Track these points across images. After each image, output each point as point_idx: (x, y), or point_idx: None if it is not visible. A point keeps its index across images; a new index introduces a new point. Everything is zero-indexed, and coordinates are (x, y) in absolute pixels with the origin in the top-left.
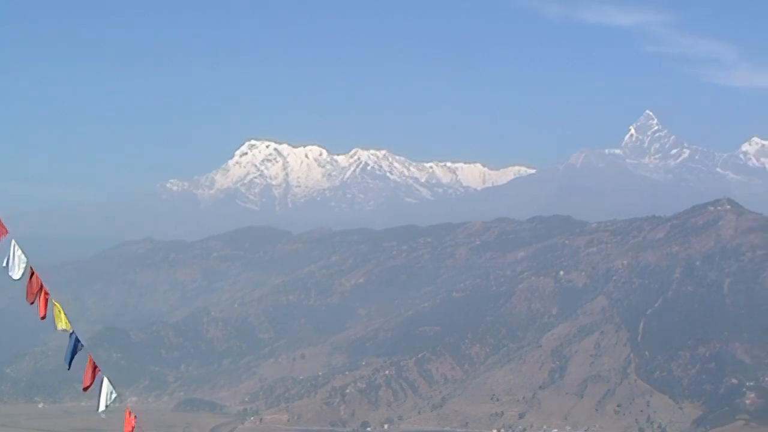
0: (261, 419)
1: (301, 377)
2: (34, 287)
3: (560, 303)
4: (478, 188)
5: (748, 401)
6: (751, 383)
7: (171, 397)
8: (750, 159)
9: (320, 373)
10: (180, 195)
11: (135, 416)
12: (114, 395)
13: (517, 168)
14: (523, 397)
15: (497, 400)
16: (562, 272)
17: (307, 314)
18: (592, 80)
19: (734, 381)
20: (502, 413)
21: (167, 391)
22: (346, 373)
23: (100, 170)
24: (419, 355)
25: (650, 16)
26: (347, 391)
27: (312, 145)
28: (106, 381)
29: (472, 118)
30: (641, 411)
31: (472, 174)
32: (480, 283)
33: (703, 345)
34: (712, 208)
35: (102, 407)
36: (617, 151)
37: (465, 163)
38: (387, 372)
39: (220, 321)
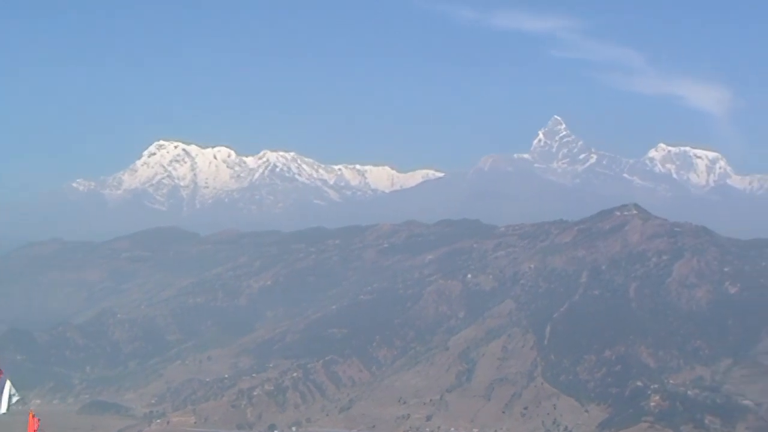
0: (167, 421)
1: (208, 379)
2: None
3: (468, 306)
4: (387, 191)
5: (652, 404)
6: (656, 386)
7: (76, 400)
8: (656, 165)
9: (227, 375)
10: (87, 195)
11: (39, 419)
12: (16, 397)
13: (425, 171)
14: (431, 400)
15: (404, 402)
16: (469, 275)
17: (214, 316)
18: (501, 85)
19: (639, 384)
20: (409, 415)
21: (72, 393)
22: (254, 375)
23: (5, 170)
24: (327, 358)
25: (560, 22)
26: (254, 393)
27: (220, 146)
28: (8, 383)
29: (381, 121)
30: (548, 413)
31: (381, 177)
32: (388, 285)
33: (609, 348)
34: (618, 213)
35: (3, 409)
36: (526, 156)
37: (374, 165)
38: (294, 374)
39: (127, 322)
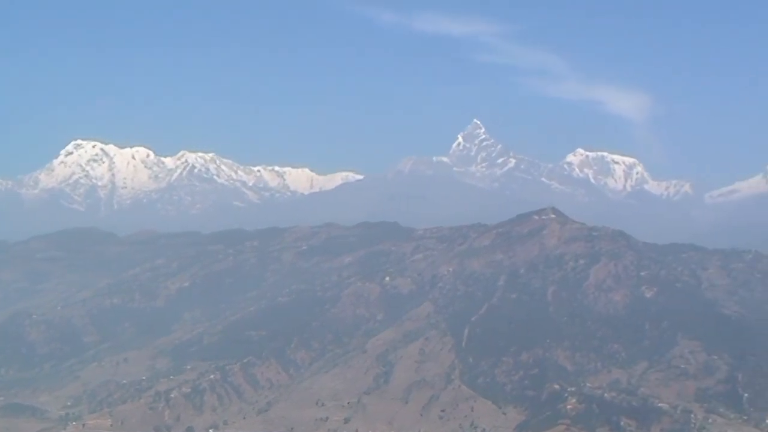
0: (83, 424)
1: (124, 381)
2: None
3: (386, 309)
4: (306, 193)
5: (569, 406)
6: (573, 389)
7: None
8: (574, 170)
9: (144, 378)
10: (3, 194)
11: None
12: None
13: (345, 173)
14: (348, 402)
15: (322, 405)
16: (388, 278)
17: (131, 317)
18: (422, 88)
19: (556, 387)
20: (327, 418)
21: None
22: (171, 377)
23: None
24: (245, 360)
25: (483, 26)
26: (172, 395)
27: (139, 146)
28: None
29: (301, 123)
30: (465, 416)
31: (300, 178)
32: (306, 287)
33: (527, 351)
34: (536, 217)
35: None
36: (445, 159)
37: (293, 167)
38: (212, 376)
39: (43, 323)
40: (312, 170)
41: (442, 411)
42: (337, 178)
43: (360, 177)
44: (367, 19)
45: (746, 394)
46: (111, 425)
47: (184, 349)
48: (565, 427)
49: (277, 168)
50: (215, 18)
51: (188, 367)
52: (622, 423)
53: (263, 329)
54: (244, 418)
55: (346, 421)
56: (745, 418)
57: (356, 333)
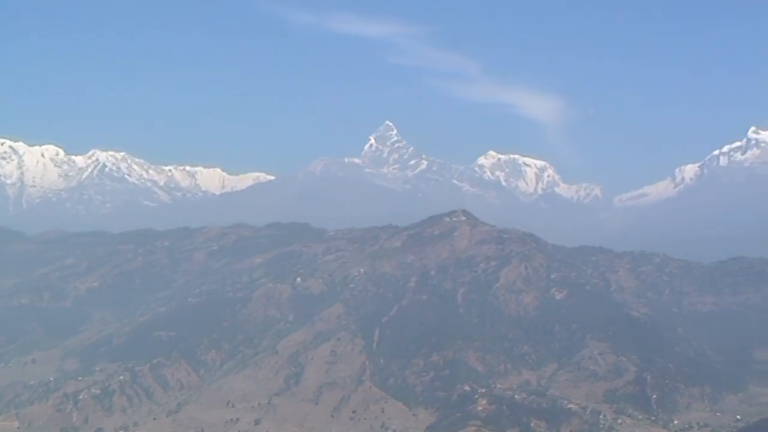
0: None
1: (32, 382)
2: None
3: (297, 310)
4: (217, 193)
5: (480, 408)
6: (483, 390)
7: None
8: (486, 172)
9: (52, 379)
10: None
11: None
12: None
13: (256, 174)
14: (259, 404)
15: (233, 406)
16: (299, 279)
17: (39, 318)
18: (335, 89)
19: (467, 388)
20: (238, 419)
21: None
22: (80, 378)
23: None
24: (154, 361)
25: (397, 28)
26: (80, 397)
27: (49, 144)
28: None
29: (214, 122)
30: (376, 417)
31: (212, 178)
32: (217, 288)
33: (437, 353)
34: (447, 219)
35: None
36: (357, 161)
37: (204, 167)
38: (121, 377)
39: None
40: (223, 170)
41: (353, 412)
42: (249, 179)
43: (271, 177)
44: (281, 19)
45: (654, 395)
46: (18, 427)
47: (94, 349)
48: (476, 429)
49: (188, 168)
50: (128, 14)
51: (97, 368)
52: (532, 424)
53: (173, 330)
54: (154, 419)
55: (257, 422)
56: (652, 418)
57: (267, 334)
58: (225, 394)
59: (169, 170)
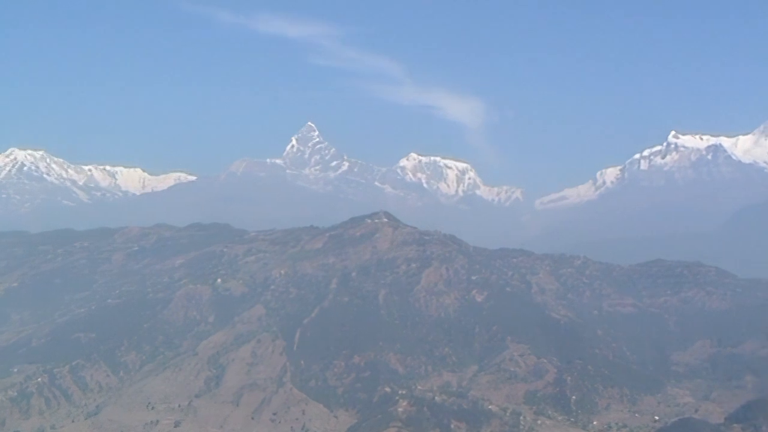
0: None
1: None
2: None
3: (217, 311)
4: (138, 193)
5: (400, 409)
6: (404, 392)
7: None
8: (407, 174)
9: None
10: None
11: None
12: None
13: (177, 174)
14: (179, 405)
15: (153, 408)
16: (220, 280)
17: None
18: (257, 89)
19: (387, 390)
20: (158, 421)
21: None
22: None
23: None
24: (73, 363)
25: (320, 29)
26: None
27: None
28: None
29: (134, 122)
30: (297, 419)
31: (132, 178)
32: (137, 289)
33: (358, 354)
34: (369, 221)
35: None
36: (278, 162)
37: (125, 167)
38: (39, 379)
39: None
40: (144, 170)
41: (274, 414)
42: (170, 179)
43: (193, 178)
44: (205, 18)
45: (574, 397)
46: None
47: (11, 351)
48: (396, 430)
49: (108, 167)
50: (50, 10)
51: (15, 370)
52: (452, 426)
53: (93, 331)
54: (73, 421)
55: (177, 424)
56: (572, 419)
57: (187, 335)
58: (145, 396)
59: (89, 170)
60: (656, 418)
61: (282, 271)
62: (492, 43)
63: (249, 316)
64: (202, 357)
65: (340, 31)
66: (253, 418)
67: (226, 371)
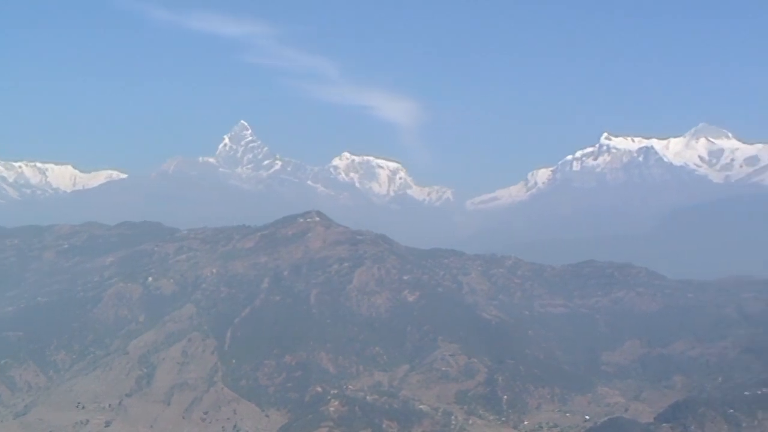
0: None
1: None
2: None
3: (148, 310)
4: (69, 191)
5: (332, 409)
6: (335, 391)
7: None
8: (340, 173)
9: None
10: None
11: None
12: None
13: (109, 172)
14: (109, 405)
15: (83, 407)
16: (150, 279)
17: None
18: (190, 87)
19: (319, 389)
20: (88, 421)
21: None
22: None
23: None
24: (2, 362)
25: (255, 28)
26: None
27: None
28: None
29: (66, 118)
30: (228, 419)
31: (63, 176)
32: (67, 287)
33: (290, 354)
34: (301, 220)
35: None
36: (211, 160)
37: (56, 164)
38: None
39: None
40: (75, 167)
41: (205, 413)
42: (101, 177)
43: (124, 176)
44: (139, 15)
45: (505, 396)
46: None
47: None
48: (328, 430)
49: (39, 164)
50: None
51: None
52: (384, 425)
53: (21, 330)
54: (1, 421)
55: (107, 424)
56: (503, 419)
57: (118, 334)
58: (75, 396)
59: (19, 166)
60: (587, 417)
61: (213, 270)
62: (427, 44)
63: (180, 315)
64: (133, 356)
65: (275, 30)
66: (184, 418)
67: (157, 370)
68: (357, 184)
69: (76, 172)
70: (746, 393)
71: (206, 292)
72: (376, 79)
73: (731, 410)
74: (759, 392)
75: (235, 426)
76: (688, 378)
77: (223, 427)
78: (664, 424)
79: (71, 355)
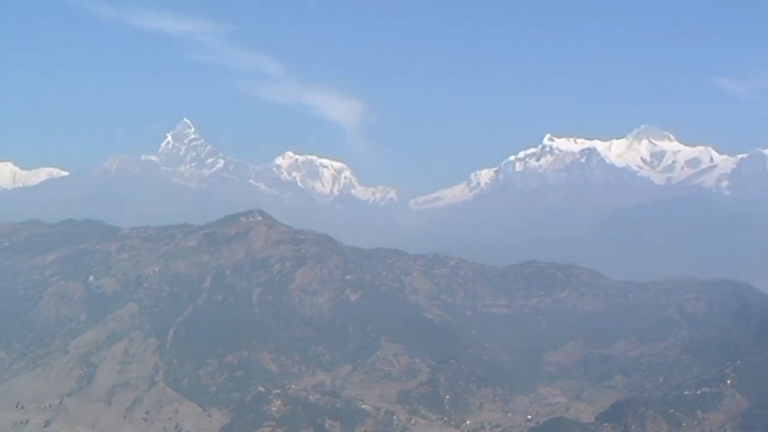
0: None
1: None
2: None
3: (89, 309)
4: (9, 188)
5: (274, 408)
6: (278, 391)
7: None
8: (283, 172)
9: None
10: None
11: None
12: None
13: (50, 169)
14: (50, 405)
15: (22, 407)
16: (92, 278)
17: None
18: (134, 84)
19: (261, 389)
20: (28, 421)
21: None
22: None
23: None
24: None
25: (200, 26)
26: None
27: None
28: None
29: (6, 114)
30: (170, 418)
31: (3, 173)
32: (7, 286)
33: (232, 353)
34: (244, 219)
35: None
36: (153, 158)
37: None
38: None
39: None
40: (15, 164)
41: (146, 413)
42: (42, 174)
43: (65, 173)
44: (82, 11)
45: (447, 396)
46: None
47: None
48: (270, 429)
49: None
50: None
51: None
52: (326, 425)
53: None
54: None
55: (47, 424)
56: (445, 419)
57: (59, 333)
58: (14, 395)
59: None
60: (529, 417)
61: (155, 269)
62: (372, 43)
63: (121, 314)
64: (74, 355)
65: (220, 27)
66: (125, 417)
67: (98, 370)
68: (300, 184)
69: (17, 169)
70: (686, 393)
71: (148, 291)
72: (321, 78)
73: (672, 410)
74: (699, 392)
75: (176, 426)
76: (629, 378)
77: (164, 426)
78: (605, 424)
79: (11, 354)
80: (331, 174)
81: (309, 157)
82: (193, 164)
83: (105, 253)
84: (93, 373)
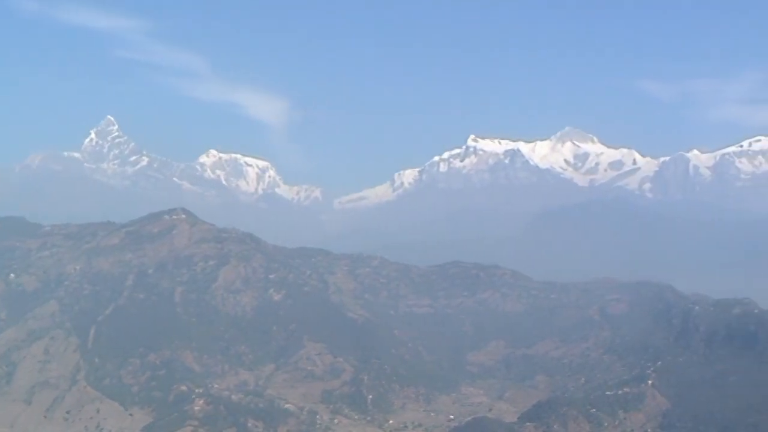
0: None
1: None
2: None
3: (9, 307)
4: None
5: (197, 408)
6: (200, 390)
7: None
8: (206, 171)
9: None
10: None
11: None
12: None
13: None
14: None
15: None
16: (12, 275)
17: None
18: (56, 80)
19: (184, 388)
20: None
21: None
22: None
23: None
24: None
25: (126, 21)
26: None
27: None
28: None
29: None
30: (91, 418)
31: None
32: None
33: (154, 352)
34: (167, 217)
35: None
36: (76, 155)
37: None
38: None
39: None
40: None
41: (67, 413)
42: None
43: None
44: (6, 4)
45: (370, 396)
46: None
47: None
48: (192, 429)
49: None
50: None
51: None
52: (249, 424)
53: None
54: None
55: None
56: (368, 418)
57: None
58: None
59: None
60: (451, 417)
61: (77, 267)
62: (297, 42)
63: (42, 312)
64: None
65: (145, 24)
66: (45, 417)
67: (18, 369)
68: (224, 182)
69: None
70: (608, 393)
71: (69, 289)
72: (246, 76)
73: (593, 410)
74: (620, 392)
75: (98, 425)
76: (551, 378)
77: (85, 426)
78: (527, 424)
79: None
80: (255, 173)
81: (233, 155)
82: (116, 162)
83: (26, 250)
84: (12, 372)
